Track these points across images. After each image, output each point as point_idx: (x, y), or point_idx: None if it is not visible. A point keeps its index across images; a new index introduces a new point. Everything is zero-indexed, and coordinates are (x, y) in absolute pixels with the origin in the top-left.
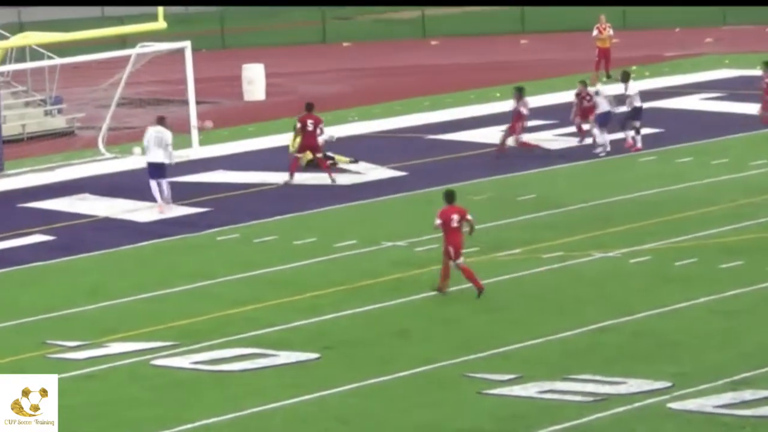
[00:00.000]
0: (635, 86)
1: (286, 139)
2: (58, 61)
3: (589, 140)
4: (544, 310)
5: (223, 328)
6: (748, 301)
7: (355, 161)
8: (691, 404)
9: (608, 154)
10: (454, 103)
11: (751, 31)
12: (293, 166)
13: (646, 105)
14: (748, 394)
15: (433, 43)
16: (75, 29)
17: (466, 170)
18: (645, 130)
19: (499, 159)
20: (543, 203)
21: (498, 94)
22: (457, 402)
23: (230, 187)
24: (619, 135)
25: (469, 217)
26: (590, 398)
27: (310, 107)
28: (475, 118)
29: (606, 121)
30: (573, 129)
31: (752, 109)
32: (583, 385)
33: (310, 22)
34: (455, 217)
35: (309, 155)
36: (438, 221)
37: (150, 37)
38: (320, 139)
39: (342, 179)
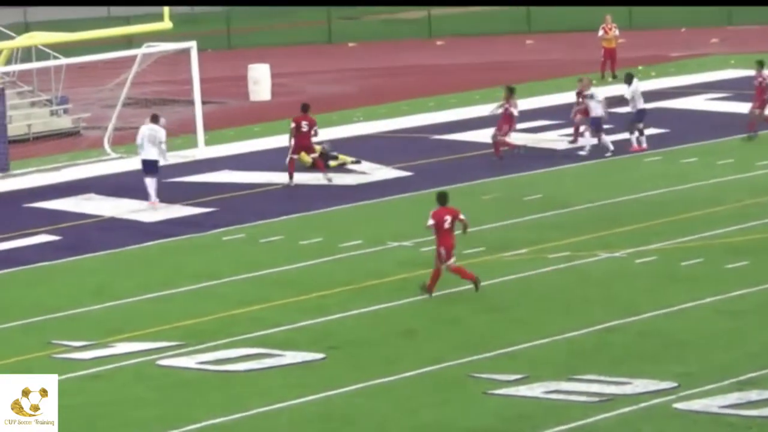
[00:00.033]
0: (638, 88)
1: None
2: (63, 61)
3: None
4: (551, 310)
5: (229, 328)
6: (755, 301)
7: (358, 161)
8: (696, 404)
9: (613, 154)
10: (460, 103)
11: (756, 31)
12: (291, 169)
13: (652, 105)
14: (754, 395)
15: (439, 43)
16: (81, 29)
17: (472, 170)
18: (651, 131)
19: (503, 159)
20: (549, 203)
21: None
22: (463, 402)
23: (236, 187)
24: (624, 135)
25: (462, 216)
26: (596, 398)
27: (305, 108)
28: (481, 119)
29: (597, 127)
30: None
31: (766, 109)
32: (589, 385)
33: (315, 22)
34: (448, 218)
35: (305, 157)
36: (431, 222)
37: (156, 37)
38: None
39: (347, 179)
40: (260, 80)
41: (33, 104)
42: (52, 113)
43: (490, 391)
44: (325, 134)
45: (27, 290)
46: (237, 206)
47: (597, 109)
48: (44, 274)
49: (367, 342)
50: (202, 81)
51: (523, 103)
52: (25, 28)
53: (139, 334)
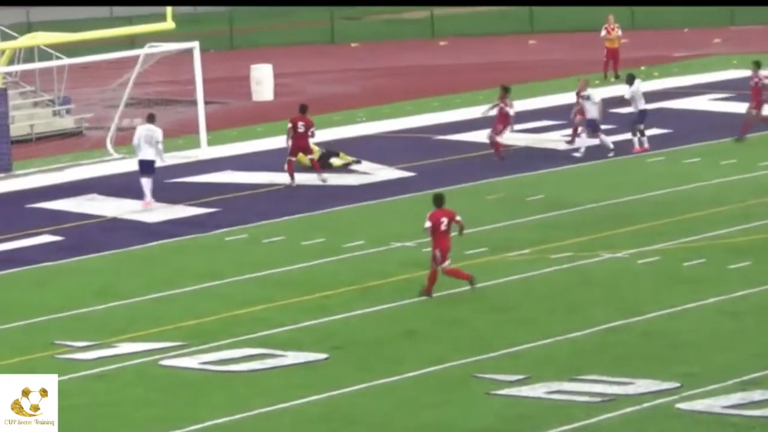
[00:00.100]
0: (639, 89)
1: None
2: (66, 61)
3: (590, 142)
4: (553, 311)
5: (232, 329)
6: (757, 301)
7: (358, 161)
8: (699, 405)
9: (615, 153)
10: (463, 103)
11: (759, 31)
12: (290, 169)
13: (655, 105)
14: (757, 395)
15: (442, 43)
16: (83, 29)
17: (475, 171)
18: (654, 131)
19: (504, 159)
20: (552, 204)
21: None
22: (466, 402)
23: (239, 188)
24: (627, 136)
25: (458, 218)
26: (598, 399)
27: (303, 109)
28: (484, 119)
29: (594, 128)
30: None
31: (763, 110)
32: (592, 385)
33: (318, 22)
34: (444, 220)
35: (303, 158)
36: (428, 224)
37: (159, 37)
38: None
39: (350, 180)
40: (263, 80)
41: (36, 104)
42: (55, 113)
43: (492, 392)
44: (328, 135)
45: (30, 290)
46: (240, 206)
47: (592, 111)
48: (47, 275)
49: (370, 342)
50: (205, 81)
51: (526, 104)
52: (28, 28)
53: (142, 335)
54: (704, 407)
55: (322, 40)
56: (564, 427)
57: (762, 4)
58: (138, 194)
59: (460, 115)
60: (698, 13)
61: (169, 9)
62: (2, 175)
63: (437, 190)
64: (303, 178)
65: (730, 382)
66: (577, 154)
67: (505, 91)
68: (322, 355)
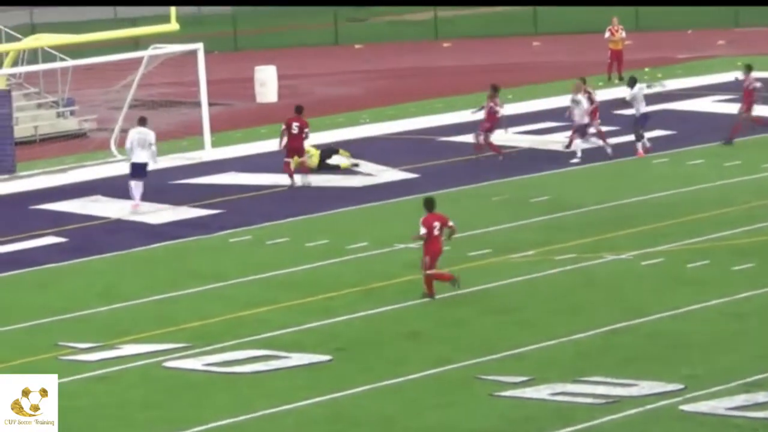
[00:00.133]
0: (640, 92)
1: None
2: (70, 62)
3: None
4: (557, 312)
5: (236, 330)
6: (761, 303)
7: (357, 164)
8: (703, 406)
9: (618, 156)
10: (466, 105)
11: (763, 32)
12: (289, 171)
13: (659, 107)
14: (761, 396)
15: (446, 44)
16: (87, 31)
17: (478, 172)
18: (658, 132)
19: (504, 158)
20: (556, 205)
21: (510, 96)
22: (469, 404)
23: (242, 189)
24: (630, 138)
25: (450, 223)
26: (602, 400)
27: (299, 110)
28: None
29: (582, 132)
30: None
31: (765, 111)
32: (595, 387)
33: (322, 23)
34: (437, 224)
35: (298, 160)
36: (423, 231)
37: (162, 38)
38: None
39: (353, 181)
40: (267, 82)
41: (39, 106)
42: (59, 115)
43: (496, 393)
44: (332, 137)
45: (33, 292)
46: (243, 208)
47: (580, 116)
48: (51, 276)
49: (374, 344)
50: (209, 83)
51: (530, 105)
52: (32, 29)
53: (145, 336)
54: (708, 409)
55: (326, 41)
56: (568, 428)
57: (766, 4)
58: (145, 196)
59: (464, 116)
60: (702, 14)
61: (173, 10)
62: (6, 176)
63: (428, 194)
64: (312, 180)
65: (734, 384)
66: (574, 160)
67: (495, 90)
68: (326, 357)
